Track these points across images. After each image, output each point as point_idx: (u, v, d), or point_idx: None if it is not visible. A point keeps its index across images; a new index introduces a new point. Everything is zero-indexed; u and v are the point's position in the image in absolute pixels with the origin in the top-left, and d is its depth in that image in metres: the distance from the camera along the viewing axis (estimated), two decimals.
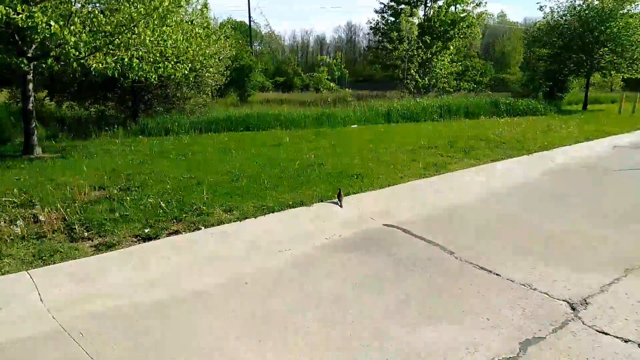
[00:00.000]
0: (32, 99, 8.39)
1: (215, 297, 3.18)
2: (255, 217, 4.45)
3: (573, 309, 2.96)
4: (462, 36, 26.83)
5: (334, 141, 9.43)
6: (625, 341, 2.58)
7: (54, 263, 3.47)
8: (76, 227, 4.13)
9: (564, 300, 3.06)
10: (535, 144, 8.92)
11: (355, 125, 13.45)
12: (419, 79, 24.75)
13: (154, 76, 8.45)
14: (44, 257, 3.56)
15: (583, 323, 2.78)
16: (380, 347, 2.59)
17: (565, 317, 2.85)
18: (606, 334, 2.67)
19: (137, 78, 8.43)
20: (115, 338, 2.69)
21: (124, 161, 7.29)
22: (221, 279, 3.47)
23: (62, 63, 7.67)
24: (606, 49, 19.64)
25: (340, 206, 4.88)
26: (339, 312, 2.98)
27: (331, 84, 25.01)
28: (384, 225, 4.66)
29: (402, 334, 2.72)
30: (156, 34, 7.67)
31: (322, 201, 5.00)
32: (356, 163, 6.93)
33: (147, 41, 7.51)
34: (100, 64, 7.29)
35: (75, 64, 7.43)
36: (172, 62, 8.63)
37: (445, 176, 6.32)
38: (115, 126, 11.54)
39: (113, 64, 7.48)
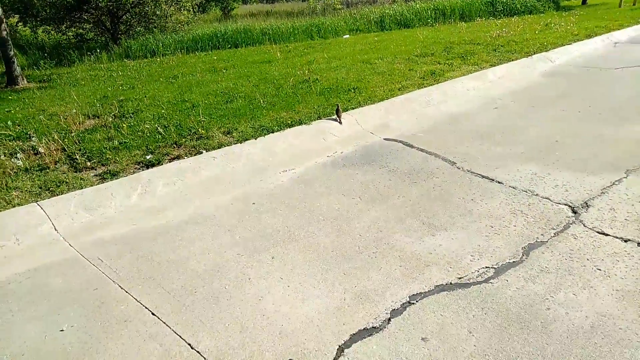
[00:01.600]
0: (4, 25, 7.91)
1: (222, 219, 3.25)
2: (255, 139, 4.42)
3: (574, 212, 3.05)
4: None
5: (327, 54, 9.11)
6: (625, 240, 2.70)
7: (62, 193, 3.50)
8: (77, 157, 4.11)
9: (565, 204, 3.15)
10: (534, 45, 8.66)
11: (348, 36, 12.92)
12: None
13: None
14: (50, 188, 3.58)
15: (584, 225, 2.88)
16: (387, 257, 2.70)
17: (567, 221, 2.95)
18: (606, 234, 2.77)
19: None
20: (133, 262, 2.79)
21: (114, 87, 7.08)
22: (228, 200, 3.52)
23: None
24: None
25: (340, 122, 4.83)
26: (346, 225, 3.07)
27: None
28: (385, 139, 4.65)
29: (408, 244, 2.82)
30: None
31: (320, 118, 4.94)
32: (352, 76, 6.75)
33: None
34: None
35: None
36: None
37: (444, 85, 6.21)
38: (98, 50, 11.04)
39: None
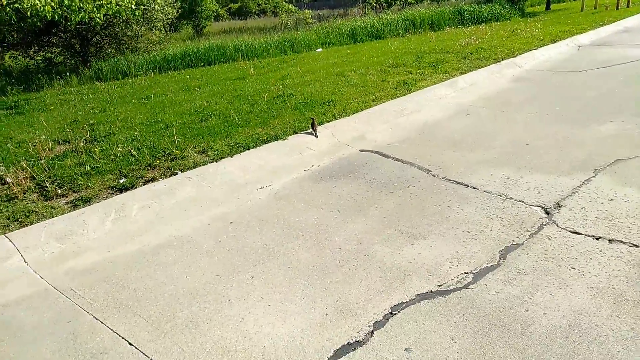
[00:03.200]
0: None
1: (200, 240, 3.20)
2: (231, 156, 4.40)
3: (547, 213, 3.11)
4: None
5: (300, 68, 9.17)
6: (597, 238, 2.76)
7: (32, 224, 3.40)
8: (47, 184, 4.01)
9: (538, 206, 3.20)
10: (502, 51, 8.88)
11: (321, 49, 13.04)
12: None
13: (98, 16, 7.86)
14: (19, 219, 3.48)
15: (557, 226, 2.94)
16: (368, 269, 2.70)
17: (540, 222, 3.00)
18: (579, 233, 2.83)
19: (79, 20, 7.81)
20: (108, 291, 2.72)
21: (85, 110, 6.97)
22: (205, 221, 3.48)
23: None
24: None
25: (316, 136, 4.85)
26: (325, 239, 3.06)
27: (289, 6, 23.87)
28: (361, 150, 4.68)
29: (387, 254, 2.83)
30: None
31: (296, 133, 4.95)
32: (326, 89, 6.80)
33: None
34: (36, 5, 6.70)
35: (8, 8, 6.81)
36: None
37: (417, 94, 6.30)
38: (68, 74, 10.88)
39: (50, 6, 6.88)
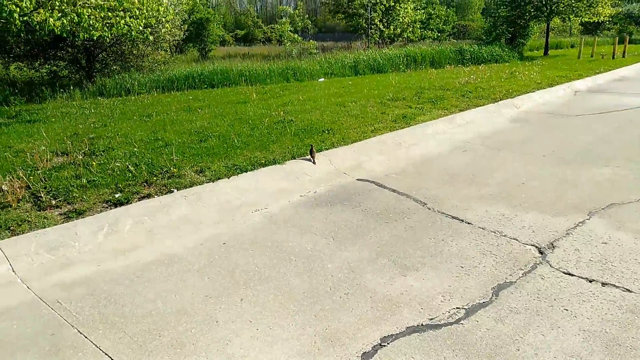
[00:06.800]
0: None
1: (191, 259, 3.17)
2: (228, 178, 4.40)
3: (541, 252, 3.11)
4: None
5: (302, 96, 9.29)
6: (590, 281, 2.75)
7: (23, 233, 3.36)
8: (42, 195, 3.99)
9: (532, 245, 3.21)
10: (500, 92, 9.05)
11: (323, 79, 13.25)
12: (384, 28, 24.37)
13: (107, 34, 7.97)
14: (11, 228, 3.44)
15: (550, 266, 2.94)
16: (359, 298, 2.67)
17: (534, 261, 3.00)
18: (572, 275, 2.83)
19: (88, 37, 7.92)
20: (94, 305, 2.67)
21: (85, 124, 7.00)
22: (197, 241, 3.45)
23: (3, 21, 7.09)
24: None
25: (314, 162, 4.87)
26: (318, 266, 3.04)
27: (294, 36, 24.34)
28: (358, 179, 4.70)
29: (380, 285, 2.81)
30: None
31: (294, 158, 4.98)
32: (326, 118, 6.88)
33: None
34: (46, 22, 6.80)
35: (18, 22, 6.90)
36: (126, 18, 8.13)
37: (415, 128, 6.37)
38: (71, 87, 10.96)
39: (59, 22, 6.99)
